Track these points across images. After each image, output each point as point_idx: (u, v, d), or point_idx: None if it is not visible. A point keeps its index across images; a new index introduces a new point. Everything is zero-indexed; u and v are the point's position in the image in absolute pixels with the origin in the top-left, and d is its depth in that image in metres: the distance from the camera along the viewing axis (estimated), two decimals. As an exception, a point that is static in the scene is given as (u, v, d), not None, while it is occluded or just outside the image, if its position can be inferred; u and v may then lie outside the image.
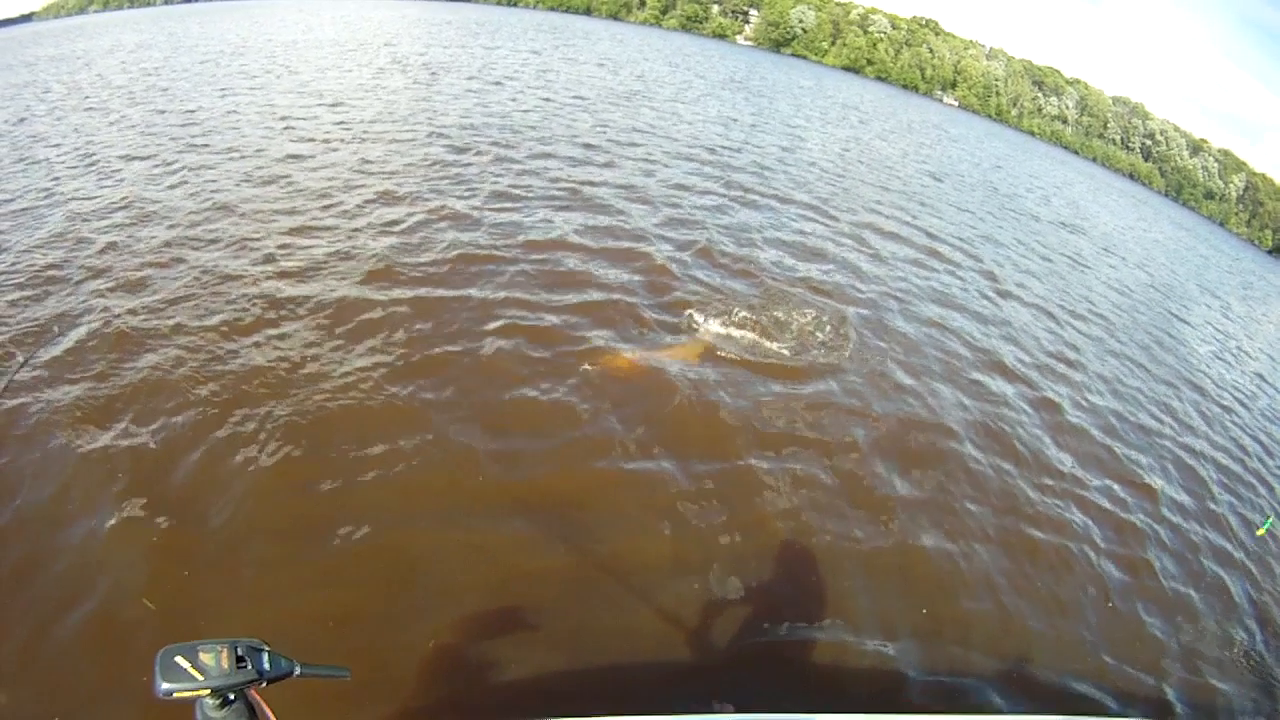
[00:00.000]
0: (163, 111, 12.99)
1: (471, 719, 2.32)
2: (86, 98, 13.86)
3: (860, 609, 4.53)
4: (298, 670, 1.68)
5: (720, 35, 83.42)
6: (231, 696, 1.58)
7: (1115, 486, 6.92)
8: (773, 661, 4.06)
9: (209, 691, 1.52)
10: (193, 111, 13.08)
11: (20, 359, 4.99)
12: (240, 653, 1.57)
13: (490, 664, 3.67)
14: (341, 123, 13.14)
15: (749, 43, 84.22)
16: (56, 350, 5.39)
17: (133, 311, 6.03)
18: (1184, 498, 7.24)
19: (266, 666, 1.61)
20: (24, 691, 3.17)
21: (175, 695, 1.47)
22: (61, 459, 4.40)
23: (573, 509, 4.74)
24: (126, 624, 3.45)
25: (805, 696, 3.89)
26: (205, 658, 1.52)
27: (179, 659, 1.50)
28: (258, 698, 1.65)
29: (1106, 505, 6.56)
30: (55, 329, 5.68)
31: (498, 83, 19.90)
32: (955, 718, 2.73)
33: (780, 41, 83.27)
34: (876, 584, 4.76)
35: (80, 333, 5.66)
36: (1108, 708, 4.45)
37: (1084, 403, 8.58)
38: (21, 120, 11.78)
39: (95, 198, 8.50)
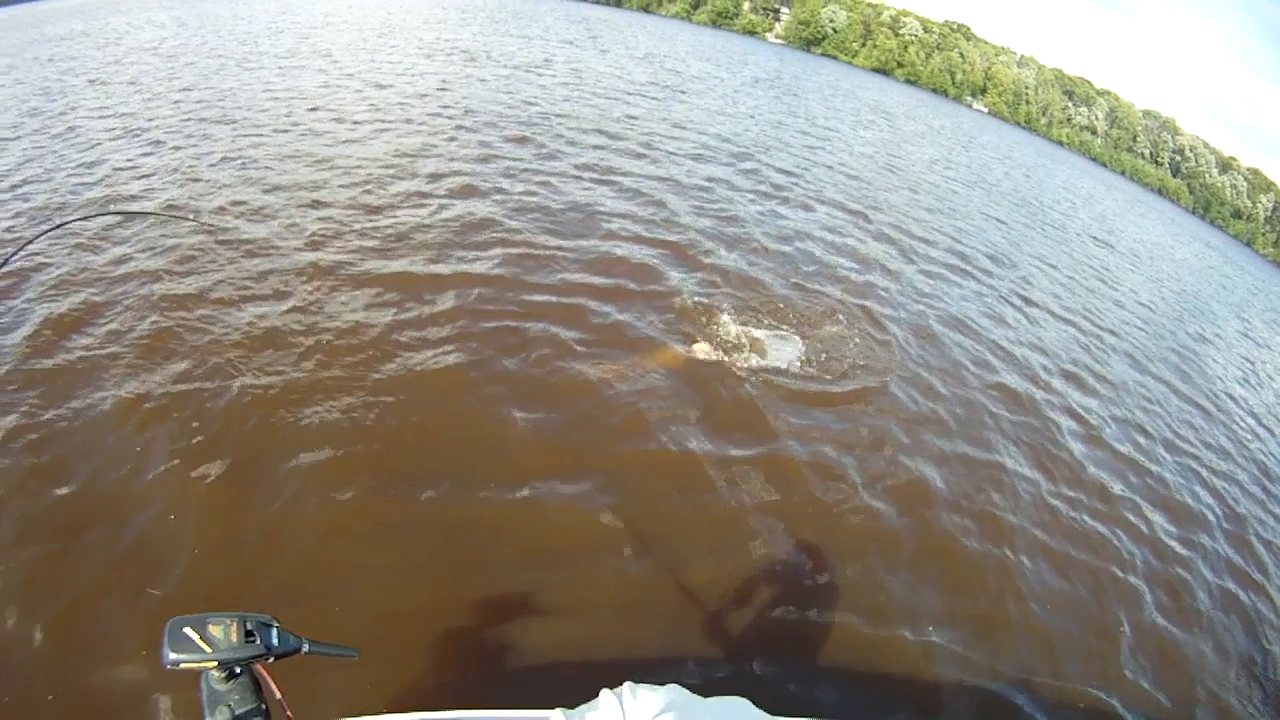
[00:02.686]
0: (192, 89, 12.88)
1: (488, 702, 2.34)
2: (120, 73, 13.83)
3: (890, 605, 4.59)
4: (306, 647, 1.69)
5: (750, 32, 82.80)
6: (238, 670, 1.59)
7: (1143, 503, 6.93)
8: (797, 651, 4.12)
9: (215, 664, 1.53)
10: (230, 90, 13.05)
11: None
12: (249, 627, 1.58)
13: (510, 645, 3.71)
14: (382, 107, 13.12)
15: (779, 41, 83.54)
16: (106, 320, 5.47)
17: (179, 281, 6.10)
18: (1211, 517, 7.23)
19: (275, 642, 1.61)
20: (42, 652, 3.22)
21: (182, 666, 1.48)
22: (107, 422, 4.47)
23: (608, 487, 4.81)
24: (158, 590, 3.49)
25: (825, 688, 3.93)
26: (214, 630, 1.53)
27: (188, 630, 1.51)
28: (264, 672, 1.66)
29: (1132, 519, 6.58)
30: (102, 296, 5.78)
31: (535, 72, 19.89)
32: None
33: (811, 41, 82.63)
34: (906, 581, 4.82)
35: (129, 300, 5.74)
36: None
37: (1114, 418, 8.59)
38: (61, 94, 11.76)
39: (138, 169, 8.56)
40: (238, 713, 1.57)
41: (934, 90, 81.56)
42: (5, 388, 4.57)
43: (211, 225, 7.10)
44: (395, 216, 7.99)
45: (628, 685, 1.48)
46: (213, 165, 8.91)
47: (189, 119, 10.61)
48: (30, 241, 3.19)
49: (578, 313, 6.77)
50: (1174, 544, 6.52)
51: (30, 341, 5.04)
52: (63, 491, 3.95)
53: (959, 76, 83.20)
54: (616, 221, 9.30)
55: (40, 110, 10.30)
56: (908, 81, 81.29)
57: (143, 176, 8.32)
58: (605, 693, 1.46)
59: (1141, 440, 8.28)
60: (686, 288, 7.80)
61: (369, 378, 5.25)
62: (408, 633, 3.57)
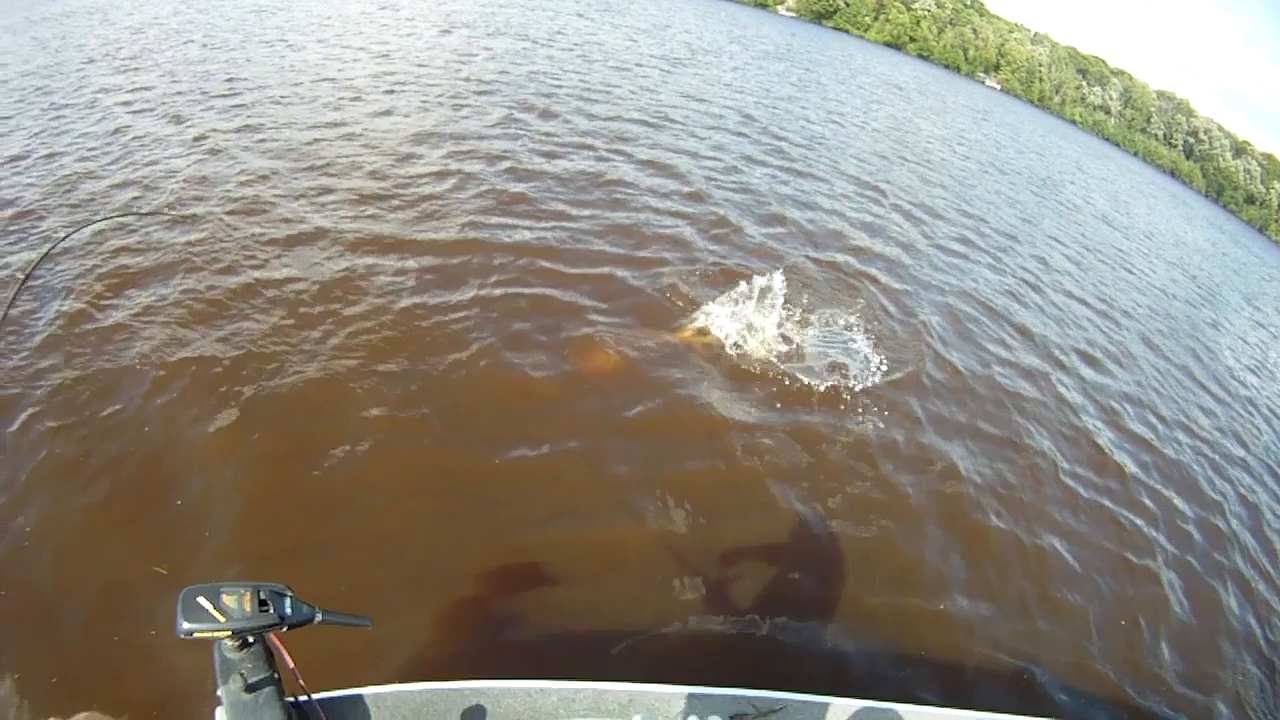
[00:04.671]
0: (205, 62, 12.49)
1: (502, 669, 2.34)
2: (130, 48, 13.38)
3: (912, 580, 4.65)
4: (319, 617, 1.70)
5: (762, 4, 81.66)
6: (251, 639, 1.61)
7: (1162, 488, 6.96)
8: (817, 620, 4.14)
9: (229, 633, 1.54)
10: (245, 64, 12.61)
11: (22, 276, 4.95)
12: (263, 596, 1.60)
13: (527, 612, 3.73)
14: (399, 80, 12.86)
15: (790, 13, 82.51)
16: (134, 302, 5.42)
17: (206, 257, 6.02)
18: (1227, 505, 7.26)
19: (288, 611, 1.63)
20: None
21: (196, 635, 1.50)
22: (138, 399, 4.43)
23: (629, 451, 4.87)
24: (165, 570, 3.47)
25: (844, 658, 3.97)
26: (228, 600, 1.54)
27: (201, 600, 1.52)
28: (277, 642, 1.67)
29: (1149, 504, 6.60)
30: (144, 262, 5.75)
31: (548, 45, 19.60)
32: (984, 714, 2.77)
33: (822, 14, 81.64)
34: (930, 558, 4.86)
35: (156, 280, 5.61)
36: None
37: (1131, 400, 8.66)
38: (73, 71, 11.40)
39: (159, 142, 8.42)
40: (250, 681, 1.59)
41: (946, 66, 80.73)
42: (36, 372, 4.53)
43: (238, 196, 7.03)
44: (419, 189, 7.94)
45: None
46: (235, 140, 8.74)
47: (207, 93, 10.41)
48: (62, 239, 3.16)
49: (601, 283, 6.79)
50: (1191, 528, 6.55)
51: (61, 325, 4.93)
52: (93, 467, 3.94)
53: (971, 53, 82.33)
54: (636, 193, 9.30)
55: (51, 88, 10.08)
56: (920, 57, 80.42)
57: (164, 150, 8.15)
58: None
59: (1159, 425, 8.28)
60: (707, 261, 7.81)
61: (393, 346, 5.25)
62: (424, 599, 3.59)
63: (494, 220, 7.48)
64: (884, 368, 6.71)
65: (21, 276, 2.00)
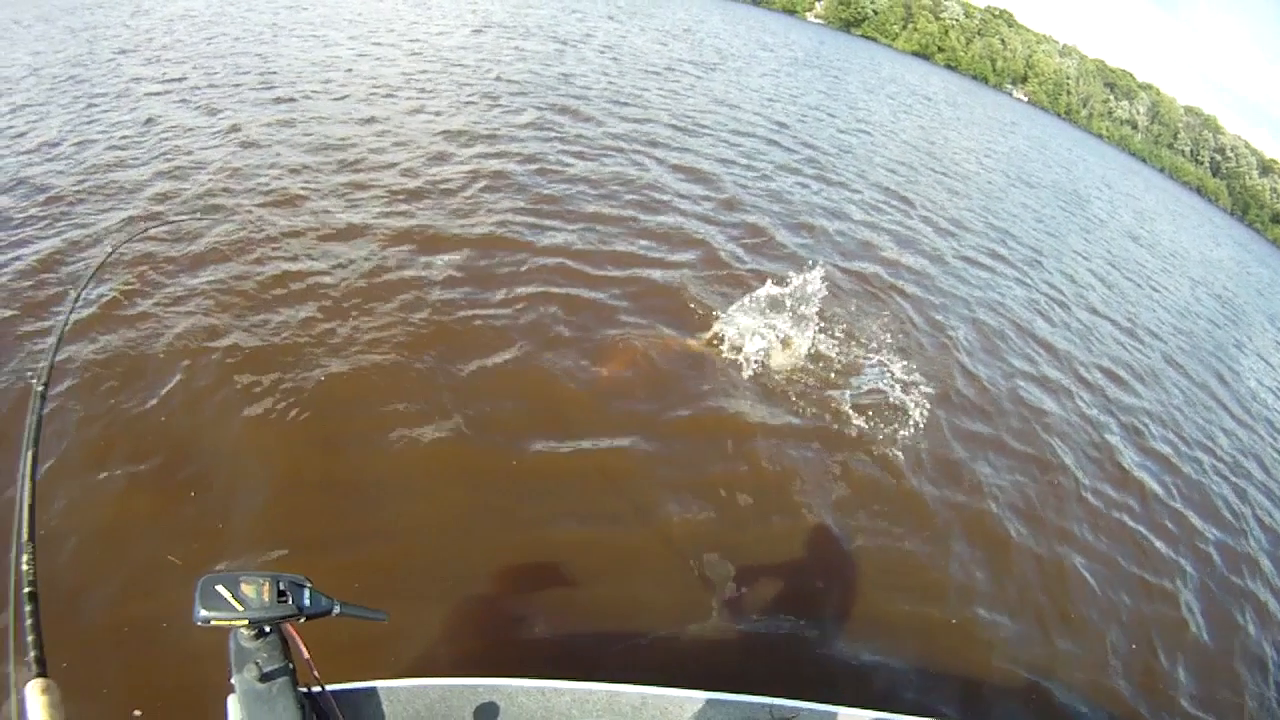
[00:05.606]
0: (237, 55, 12.39)
1: (513, 671, 2.35)
2: (159, 39, 13.27)
3: (931, 590, 4.64)
4: (337, 609, 1.70)
5: (790, 11, 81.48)
6: (267, 629, 1.61)
7: (1184, 509, 6.88)
8: (834, 627, 4.13)
9: (246, 622, 1.54)
10: (274, 58, 12.64)
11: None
12: (282, 587, 1.59)
13: (546, 610, 3.71)
14: (431, 77, 12.96)
15: (819, 20, 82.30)
16: (183, 279, 5.48)
17: (245, 249, 6.07)
18: (1249, 530, 7.18)
19: (307, 603, 1.62)
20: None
21: (213, 623, 1.49)
22: (169, 388, 4.46)
23: (656, 451, 4.89)
24: (179, 560, 3.45)
25: (859, 667, 3.94)
26: (246, 589, 1.54)
27: (220, 588, 1.51)
28: (294, 632, 1.69)
29: (1170, 526, 6.53)
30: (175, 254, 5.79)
31: (578, 46, 19.64)
32: None
33: (851, 21, 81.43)
34: (951, 568, 4.85)
35: (191, 273, 5.66)
36: None
37: (1155, 419, 8.59)
38: (105, 62, 11.47)
39: (192, 134, 8.44)
40: (265, 670, 1.60)
41: (974, 77, 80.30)
42: (63, 359, 4.53)
43: (270, 190, 7.10)
44: (450, 187, 8.00)
45: None
46: (267, 133, 8.75)
47: (239, 86, 10.44)
48: (116, 248, 3.18)
49: (630, 286, 6.81)
50: (1210, 550, 6.47)
51: (90, 312, 4.96)
52: (118, 455, 3.95)
53: (1000, 64, 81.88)
54: (667, 198, 9.33)
55: (84, 77, 10.10)
56: (948, 67, 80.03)
57: (196, 141, 8.18)
58: None
59: (1181, 445, 8.21)
60: (736, 268, 7.84)
61: (421, 343, 5.28)
62: (442, 595, 3.61)
63: (524, 220, 7.51)
64: (912, 380, 6.67)
65: (75, 294, 2.03)
